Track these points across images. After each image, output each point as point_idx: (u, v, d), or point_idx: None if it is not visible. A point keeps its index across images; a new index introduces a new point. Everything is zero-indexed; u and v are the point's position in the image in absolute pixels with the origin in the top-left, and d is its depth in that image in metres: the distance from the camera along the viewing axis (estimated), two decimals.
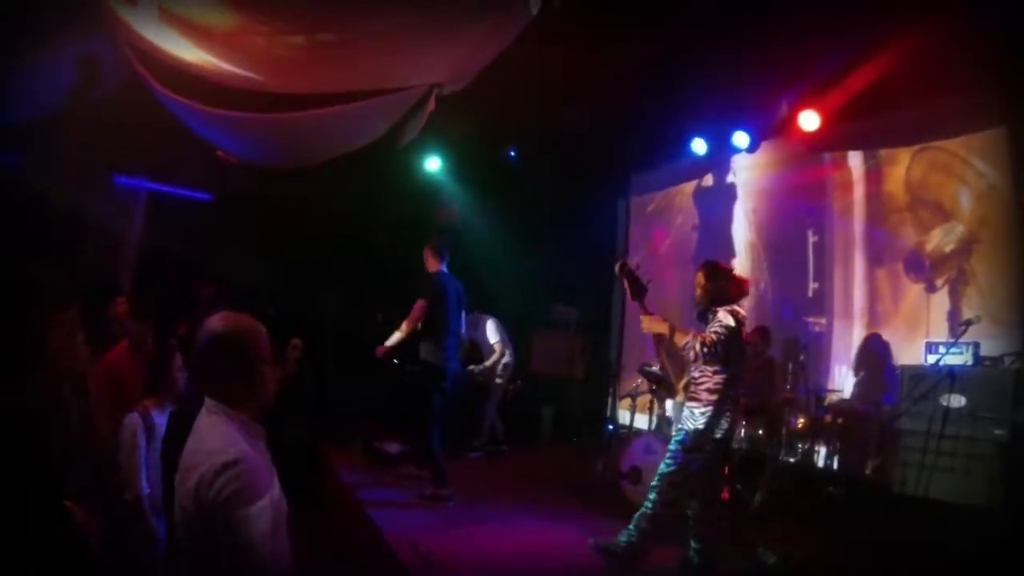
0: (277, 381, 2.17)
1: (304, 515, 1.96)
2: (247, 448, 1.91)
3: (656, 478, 4.27)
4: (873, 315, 6.61)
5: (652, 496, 4.24)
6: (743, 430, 5.92)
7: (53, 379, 2.42)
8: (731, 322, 4.17)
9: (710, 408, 4.16)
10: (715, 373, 4.21)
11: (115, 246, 8.54)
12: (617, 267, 4.54)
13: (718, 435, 4.20)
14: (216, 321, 2.07)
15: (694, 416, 4.21)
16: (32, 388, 2.25)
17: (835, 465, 5.95)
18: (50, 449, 2.29)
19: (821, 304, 7.06)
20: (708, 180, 8.57)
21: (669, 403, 6.22)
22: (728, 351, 4.16)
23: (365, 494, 5.79)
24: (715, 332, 4.13)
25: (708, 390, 4.20)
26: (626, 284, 4.49)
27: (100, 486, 3.47)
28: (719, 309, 4.27)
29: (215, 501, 1.80)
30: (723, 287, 4.39)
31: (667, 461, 4.25)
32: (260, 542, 1.83)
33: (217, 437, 1.93)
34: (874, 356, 6.45)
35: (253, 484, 1.84)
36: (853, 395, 6.35)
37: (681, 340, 4.25)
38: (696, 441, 4.15)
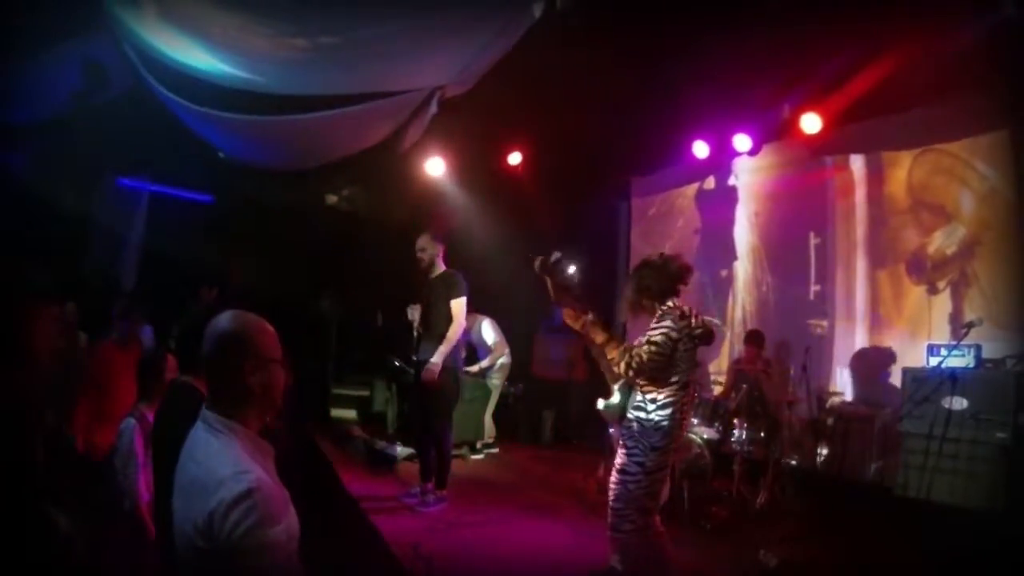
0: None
1: (303, 518, 1.87)
2: (260, 472, 1.75)
3: (618, 501, 3.78)
4: (875, 317, 6.61)
5: (624, 526, 3.74)
6: (744, 432, 5.93)
7: (35, 377, 2.43)
8: (673, 333, 3.69)
9: (665, 423, 3.69)
10: (663, 386, 3.73)
11: (118, 248, 8.56)
12: (537, 263, 3.95)
13: (676, 445, 3.80)
14: (223, 319, 1.94)
15: (649, 434, 3.72)
16: (13, 387, 2.26)
17: (837, 467, 5.95)
18: (28, 450, 2.29)
19: (823, 306, 7.07)
20: (710, 183, 8.59)
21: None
22: (668, 364, 3.71)
23: (365, 497, 5.78)
24: (647, 350, 3.67)
25: (660, 405, 3.72)
26: (548, 283, 3.92)
27: (89, 491, 3.38)
28: (662, 308, 3.80)
29: (231, 535, 1.64)
30: (652, 285, 3.88)
31: (630, 483, 3.74)
32: (281, 572, 1.71)
33: (226, 461, 1.75)
34: (876, 358, 6.46)
35: (271, 512, 1.69)
36: (855, 397, 6.35)
37: (612, 353, 3.83)
38: (657, 461, 3.70)
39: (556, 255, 3.86)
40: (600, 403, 4.10)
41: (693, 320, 3.79)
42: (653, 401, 3.74)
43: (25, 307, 2.29)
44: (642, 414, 3.77)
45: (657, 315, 3.79)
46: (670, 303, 3.82)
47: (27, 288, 2.35)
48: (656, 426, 3.70)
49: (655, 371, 3.69)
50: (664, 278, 3.89)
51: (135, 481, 3.29)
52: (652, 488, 3.73)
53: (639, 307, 3.93)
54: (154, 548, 3.22)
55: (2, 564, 1.77)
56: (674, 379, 3.72)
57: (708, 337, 3.85)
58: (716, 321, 3.81)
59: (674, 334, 3.69)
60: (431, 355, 5.58)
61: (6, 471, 2.05)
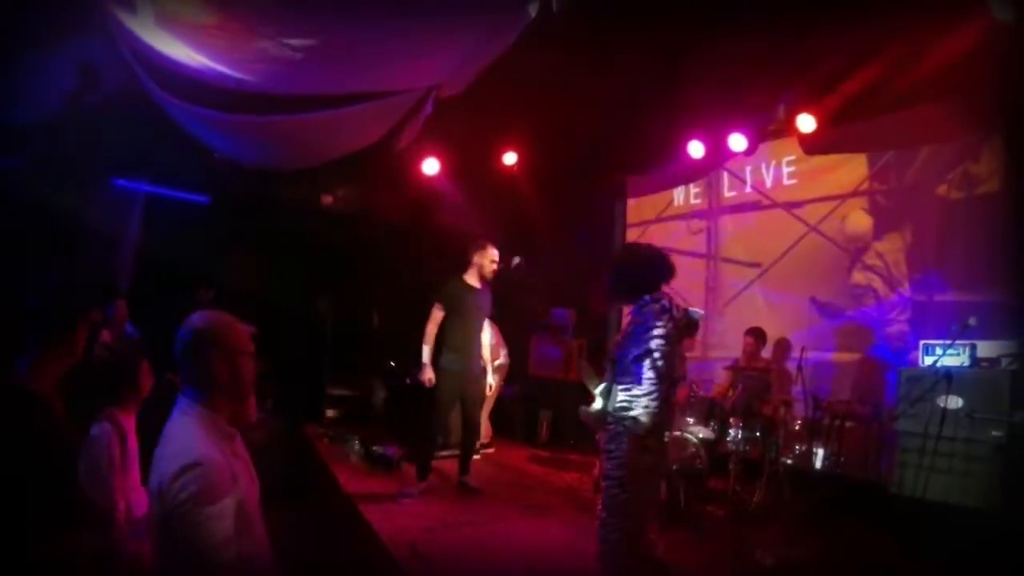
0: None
1: (300, 518, 1.94)
2: (210, 449, 1.94)
3: (604, 510, 3.57)
4: (870, 316, 6.62)
5: (611, 535, 3.53)
6: (740, 432, 5.94)
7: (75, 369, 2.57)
8: (664, 330, 3.45)
9: (644, 419, 3.43)
10: (643, 381, 3.48)
11: (113, 249, 8.54)
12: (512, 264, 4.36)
13: (661, 442, 3.56)
14: (194, 317, 2.13)
15: (631, 430, 3.48)
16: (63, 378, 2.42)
17: (833, 467, 5.96)
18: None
19: (818, 304, 7.08)
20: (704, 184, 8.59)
21: None
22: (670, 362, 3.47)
23: (362, 497, 5.78)
24: (656, 353, 3.42)
25: (642, 401, 3.46)
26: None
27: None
28: (647, 301, 3.55)
29: (174, 503, 1.83)
30: (634, 279, 3.67)
31: (613, 487, 3.53)
32: (221, 544, 1.85)
33: (182, 439, 1.96)
34: (872, 357, 6.48)
35: (213, 486, 1.86)
36: (851, 397, 6.36)
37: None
38: (639, 460, 3.46)
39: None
40: (582, 409, 3.94)
41: (675, 311, 3.54)
42: (635, 397, 3.51)
43: (78, 310, 2.45)
44: (624, 412, 3.55)
45: (653, 311, 3.53)
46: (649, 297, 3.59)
47: (79, 294, 2.54)
48: (636, 422, 3.46)
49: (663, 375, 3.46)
50: (648, 271, 3.67)
51: (110, 485, 3.23)
52: (637, 492, 3.48)
53: (619, 298, 3.75)
54: (120, 553, 3.18)
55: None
56: (661, 376, 3.47)
57: (692, 329, 3.77)
58: (699, 311, 3.71)
59: (670, 330, 3.46)
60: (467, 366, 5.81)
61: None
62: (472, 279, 5.90)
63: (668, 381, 3.52)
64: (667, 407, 3.54)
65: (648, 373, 3.46)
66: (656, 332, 3.45)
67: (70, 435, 2.50)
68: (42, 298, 2.55)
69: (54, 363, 2.51)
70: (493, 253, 5.89)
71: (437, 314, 5.80)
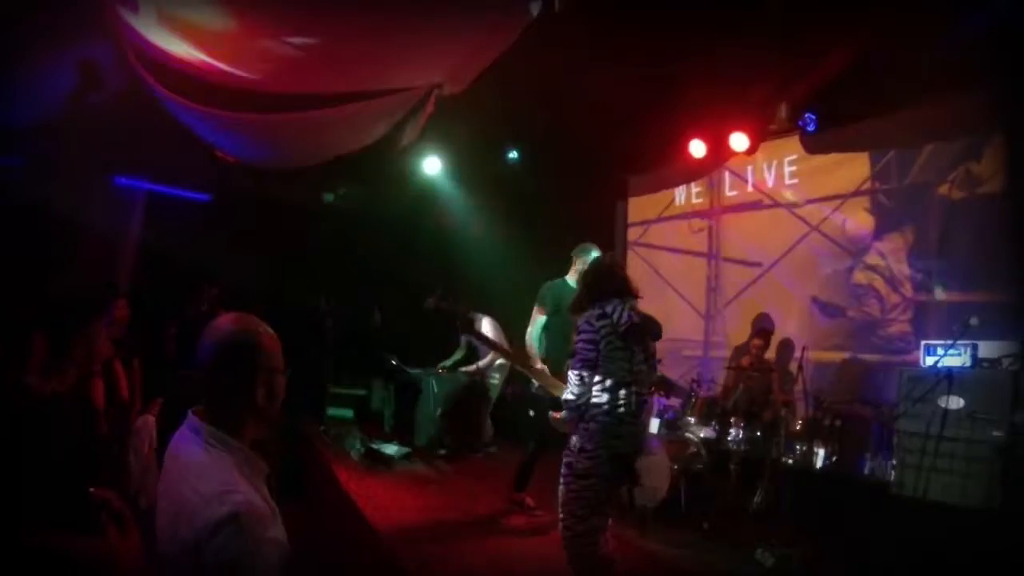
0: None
1: (301, 519, 1.83)
2: (247, 490, 1.64)
3: (560, 505, 3.65)
4: (872, 316, 6.62)
5: (564, 532, 3.57)
6: (741, 432, 5.93)
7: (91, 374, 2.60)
8: (590, 333, 3.56)
9: (591, 425, 3.52)
10: (591, 387, 3.56)
11: (114, 247, 8.55)
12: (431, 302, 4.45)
13: (613, 450, 3.51)
14: (227, 324, 1.77)
15: (580, 434, 3.58)
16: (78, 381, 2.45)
17: (833, 467, 5.95)
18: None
19: (820, 304, 7.07)
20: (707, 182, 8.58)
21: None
22: (594, 363, 3.55)
23: (363, 497, 5.78)
24: (577, 355, 3.57)
25: (588, 407, 3.56)
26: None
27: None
28: (594, 309, 3.67)
29: (217, 559, 1.54)
30: (592, 287, 3.82)
31: (562, 484, 3.64)
32: None
33: (213, 478, 1.63)
34: (873, 357, 6.47)
35: (257, 536, 1.58)
36: (852, 397, 6.35)
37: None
38: (585, 465, 3.51)
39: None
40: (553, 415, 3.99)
41: (618, 316, 3.57)
42: (564, 396, 3.66)
43: (86, 316, 2.47)
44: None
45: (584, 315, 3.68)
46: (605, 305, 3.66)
47: (90, 301, 2.55)
48: (584, 428, 3.55)
49: (588, 364, 3.56)
50: (606, 281, 3.78)
51: (154, 480, 3.28)
52: (583, 494, 3.50)
53: (580, 307, 3.83)
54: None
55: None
56: (598, 380, 3.55)
57: (635, 332, 3.59)
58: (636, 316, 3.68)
59: (596, 333, 3.57)
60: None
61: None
62: (573, 282, 5.46)
63: (606, 386, 3.54)
64: (611, 413, 3.52)
65: (571, 372, 3.62)
66: (581, 335, 3.61)
67: (77, 436, 2.49)
68: (52, 302, 2.54)
69: (64, 365, 2.50)
70: None
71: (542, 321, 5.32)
